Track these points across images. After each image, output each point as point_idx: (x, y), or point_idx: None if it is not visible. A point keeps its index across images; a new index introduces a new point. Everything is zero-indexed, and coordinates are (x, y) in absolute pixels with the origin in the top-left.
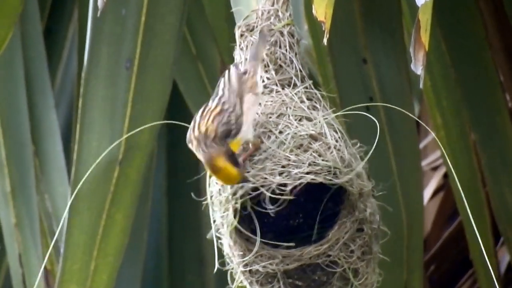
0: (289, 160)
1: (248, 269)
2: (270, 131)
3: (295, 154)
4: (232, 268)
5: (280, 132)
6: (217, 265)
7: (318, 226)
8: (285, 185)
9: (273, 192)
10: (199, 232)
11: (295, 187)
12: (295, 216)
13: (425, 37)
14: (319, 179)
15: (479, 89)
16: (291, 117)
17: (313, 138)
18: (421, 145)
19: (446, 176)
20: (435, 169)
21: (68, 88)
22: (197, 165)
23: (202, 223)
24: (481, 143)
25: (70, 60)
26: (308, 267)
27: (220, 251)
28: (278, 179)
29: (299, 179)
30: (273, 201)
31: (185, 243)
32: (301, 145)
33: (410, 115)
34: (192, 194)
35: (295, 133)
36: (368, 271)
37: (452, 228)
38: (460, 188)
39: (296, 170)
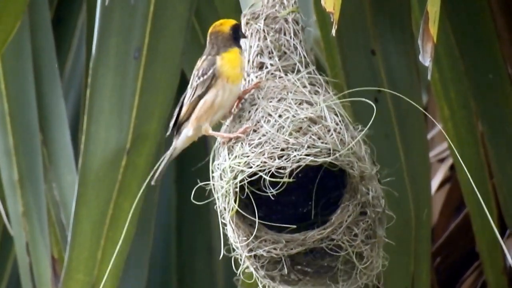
0: (288, 143)
1: (252, 254)
2: (270, 115)
3: (294, 137)
4: (239, 255)
5: (280, 116)
6: (223, 252)
7: (325, 213)
8: (284, 168)
9: (272, 175)
10: (208, 221)
11: (294, 169)
12: (303, 204)
13: (433, 29)
14: (319, 161)
15: (487, 81)
16: (291, 101)
17: (313, 121)
18: (428, 137)
19: (452, 168)
20: (441, 161)
21: (77, 78)
22: (206, 154)
23: (211, 211)
24: (489, 135)
25: (79, 50)
26: (314, 252)
27: (227, 238)
28: (277, 163)
29: (298, 161)
30: (275, 184)
31: (194, 232)
32: (301, 128)
33: (418, 107)
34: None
35: (295, 117)
36: (372, 255)
37: (458, 220)
38: (469, 177)
39: (295, 153)
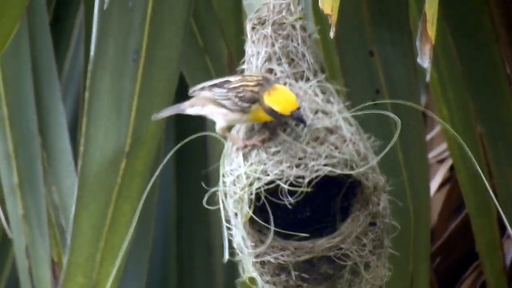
0: (306, 152)
1: (259, 260)
2: (286, 123)
3: (312, 147)
4: (242, 260)
5: (296, 125)
6: (227, 255)
7: (327, 220)
8: (302, 177)
9: (290, 184)
10: (207, 221)
11: (312, 179)
12: (304, 210)
13: (431, 31)
14: (337, 171)
15: (485, 81)
16: (306, 110)
17: (329, 130)
18: (427, 138)
19: (452, 168)
20: (441, 161)
21: (75, 80)
22: (205, 154)
23: (210, 211)
24: (488, 136)
25: (77, 52)
26: (315, 260)
27: (229, 240)
28: (295, 172)
29: (316, 171)
30: (290, 193)
31: (193, 232)
32: (318, 137)
33: (417, 106)
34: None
35: (311, 126)
36: (378, 265)
37: (458, 221)
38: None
39: (313, 163)
